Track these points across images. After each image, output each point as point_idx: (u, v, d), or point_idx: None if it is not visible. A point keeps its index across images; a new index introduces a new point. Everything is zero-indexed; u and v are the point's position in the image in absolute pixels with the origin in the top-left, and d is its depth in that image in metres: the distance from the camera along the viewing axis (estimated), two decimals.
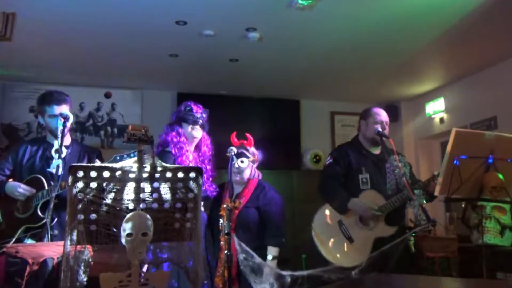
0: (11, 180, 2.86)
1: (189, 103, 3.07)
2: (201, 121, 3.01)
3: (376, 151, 3.20)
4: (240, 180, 2.97)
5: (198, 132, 3.02)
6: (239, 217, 2.85)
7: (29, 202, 2.74)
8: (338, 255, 2.95)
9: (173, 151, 2.92)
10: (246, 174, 2.99)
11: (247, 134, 3.07)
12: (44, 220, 2.64)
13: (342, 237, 3.00)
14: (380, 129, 3.11)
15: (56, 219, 2.63)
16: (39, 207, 2.69)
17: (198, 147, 3.08)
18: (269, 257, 2.80)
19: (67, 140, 2.87)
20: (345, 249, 2.96)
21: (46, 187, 2.72)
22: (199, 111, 3.03)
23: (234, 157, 2.86)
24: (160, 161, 1.64)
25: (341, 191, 3.05)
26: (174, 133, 2.98)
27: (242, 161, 2.94)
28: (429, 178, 2.92)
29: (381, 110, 3.24)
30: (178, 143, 2.94)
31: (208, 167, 3.05)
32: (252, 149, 3.05)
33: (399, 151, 3.11)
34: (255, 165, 3.06)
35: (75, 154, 2.90)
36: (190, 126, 2.99)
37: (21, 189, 2.71)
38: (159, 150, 3.03)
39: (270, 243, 2.86)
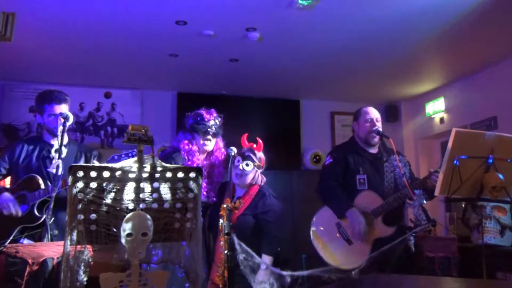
0: (2, 183, 2.84)
1: (200, 111, 3.09)
2: (213, 129, 3.04)
3: (373, 150, 3.20)
4: (241, 183, 2.93)
5: (209, 145, 3.07)
6: (237, 223, 2.82)
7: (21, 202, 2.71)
8: (337, 258, 2.93)
9: (185, 157, 2.99)
10: (248, 179, 2.94)
11: (258, 139, 3.06)
12: (41, 220, 2.65)
13: (341, 239, 2.99)
14: (370, 126, 3.12)
15: (52, 218, 2.62)
16: (35, 206, 2.68)
17: (211, 152, 3.14)
18: (262, 266, 2.75)
19: (65, 139, 2.86)
20: (345, 251, 2.95)
21: (43, 187, 2.70)
22: (211, 119, 3.05)
23: (237, 159, 2.87)
24: (160, 161, 1.64)
25: (341, 194, 3.02)
26: (186, 141, 3.04)
27: (247, 164, 2.89)
28: (426, 176, 2.91)
29: (371, 108, 3.24)
30: (189, 151, 3.02)
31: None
32: (260, 154, 3.01)
33: (398, 151, 3.11)
34: (259, 171, 3.01)
35: (72, 154, 2.89)
36: (202, 137, 3.04)
37: (10, 204, 2.64)
38: (169, 150, 3.09)
39: (265, 251, 2.82)
